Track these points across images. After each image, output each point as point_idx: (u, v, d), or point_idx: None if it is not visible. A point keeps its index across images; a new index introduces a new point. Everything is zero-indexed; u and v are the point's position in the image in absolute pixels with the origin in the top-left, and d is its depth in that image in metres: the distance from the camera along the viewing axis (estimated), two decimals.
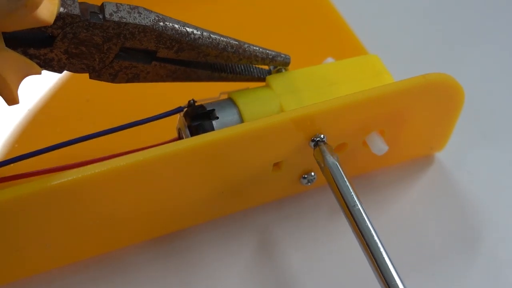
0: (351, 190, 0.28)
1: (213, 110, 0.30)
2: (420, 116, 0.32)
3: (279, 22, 0.40)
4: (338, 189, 0.28)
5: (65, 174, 0.27)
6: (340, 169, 0.29)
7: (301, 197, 0.33)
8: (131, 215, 0.29)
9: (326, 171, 0.29)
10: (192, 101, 0.30)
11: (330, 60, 0.34)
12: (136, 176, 0.28)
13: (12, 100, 0.27)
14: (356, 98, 0.30)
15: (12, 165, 0.29)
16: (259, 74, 0.31)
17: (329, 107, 0.29)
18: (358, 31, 0.40)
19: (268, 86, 0.31)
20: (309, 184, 0.32)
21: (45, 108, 0.35)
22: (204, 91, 0.31)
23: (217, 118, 0.30)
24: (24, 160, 0.29)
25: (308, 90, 0.31)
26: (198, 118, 0.29)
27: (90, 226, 0.29)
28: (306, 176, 0.31)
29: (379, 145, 0.31)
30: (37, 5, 0.24)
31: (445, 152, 0.35)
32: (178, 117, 0.31)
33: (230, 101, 0.30)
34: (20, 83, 0.27)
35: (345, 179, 0.28)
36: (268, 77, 0.31)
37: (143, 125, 0.30)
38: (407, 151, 0.34)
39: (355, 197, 0.28)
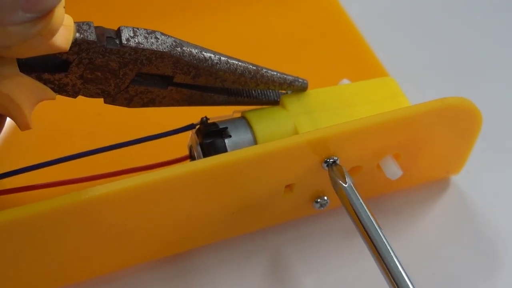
0: (368, 213, 0.28)
1: (226, 128, 0.29)
2: (436, 140, 0.31)
3: (295, 39, 0.40)
4: (355, 211, 0.28)
5: (76, 194, 0.26)
6: (356, 192, 0.28)
7: (313, 218, 0.33)
8: (140, 234, 0.29)
9: (341, 194, 0.29)
10: (204, 118, 0.30)
11: (345, 81, 0.33)
12: (146, 197, 0.27)
13: (25, 125, 0.26)
14: (372, 122, 0.29)
15: (21, 176, 0.29)
16: (275, 98, 0.31)
17: (343, 130, 0.29)
18: (377, 51, 0.39)
19: (282, 106, 0.31)
20: (322, 208, 0.31)
21: (56, 121, 0.34)
22: (217, 109, 0.31)
23: (230, 136, 0.29)
24: (34, 171, 0.29)
25: (323, 111, 0.30)
26: (210, 136, 0.29)
27: (98, 245, 0.28)
28: (319, 200, 0.31)
29: (393, 170, 0.30)
30: (53, 34, 0.24)
31: (461, 175, 0.34)
32: (190, 133, 0.30)
33: (243, 120, 0.30)
34: (33, 108, 0.27)
35: (362, 202, 0.28)
36: (283, 97, 0.31)
37: (154, 140, 0.30)
38: (422, 175, 0.33)
39: (373, 220, 0.28)
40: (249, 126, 0.30)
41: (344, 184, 0.28)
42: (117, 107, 0.29)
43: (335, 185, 0.29)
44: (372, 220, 0.28)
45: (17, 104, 0.25)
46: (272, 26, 0.40)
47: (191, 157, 0.30)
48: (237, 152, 0.28)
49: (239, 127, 0.30)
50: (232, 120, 0.30)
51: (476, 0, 0.44)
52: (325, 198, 0.31)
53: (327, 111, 0.30)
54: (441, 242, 0.33)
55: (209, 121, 0.30)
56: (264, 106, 0.31)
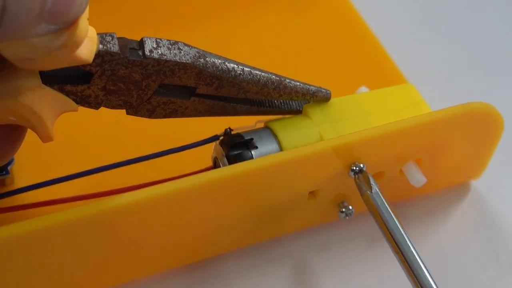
0: (395, 220, 0.28)
1: (252, 139, 0.29)
2: (458, 145, 0.32)
3: (311, 46, 0.40)
4: (382, 218, 0.28)
5: (99, 203, 0.26)
6: (383, 198, 0.28)
7: (337, 224, 0.33)
8: (163, 242, 0.29)
9: (368, 201, 0.29)
10: (228, 129, 0.30)
11: (363, 89, 0.33)
12: (171, 205, 0.27)
13: (47, 137, 0.26)
14: (396, 128, 0.29)
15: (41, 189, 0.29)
16: (297, 107, 0.31)
17: (369, 136, 0.29)
18: (394, 56, 0.39)
19: (305, 115, 0.31)
20: (347, 218, 0.31)
21: (74, 128, 0.34)
22: (238, 119, 0.31)
23: (256, 147, 0.29)
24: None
25: (346, 119, 0.31)
26: (236, 147, 0.29)
27: (120, 254, 0.28)
28: (344, 210, 0.31)
29: (417, 177, 0.31)
30: (77, 45, 0.24)
31: (481, 180, 0.34)
32: (213, 145, 0.30)
33: (268, 130, 0.30)
34: (55, 119, 0.26)
35: (388, 208, 0.28)
36: (306, 106, 0.31)
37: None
38: (443, 179, 0.34)
39: (400, 227, 0.28)
40: (274, 136, 0.30)
41: (370, 192, 0.29)
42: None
43: (362, 192, 0.29)
44: (399, 227, 0.28)
45: (39, 116, 0.25)
46: (287, 32, 0.40)
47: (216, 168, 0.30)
48: (264, 158, 0.28)
49: (264, 138, 0.30)
50: (257, 131, 0.30)
51: (498, 3, 0.45)
52: (350, 207, 0.31)
53: (350, 120, 0.31)
54: (462, 247, 0.33)
55: (232, 132, 0.30)
56: (286, 116, 0.31)
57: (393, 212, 0.28)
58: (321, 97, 0.31)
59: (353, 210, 0.31)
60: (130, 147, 0.34)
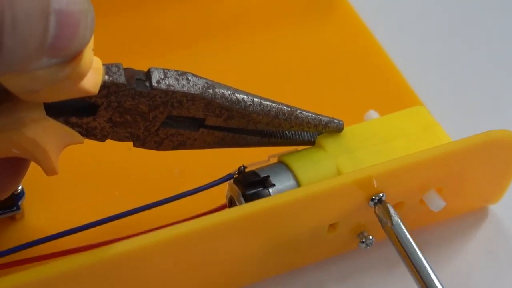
0: (418, 251, 0.27)
1: (268, 176, 0.28)
2: (478, 172, 0.31)
3: (318, 65, 0.39)
4: (404, 249, 0.28)
5: (117, 245, 0.25)
6: (404, 230, 0.28)
7: (356, 252, 0.32)
8: (180, 280, 0.28)
9: (390, 232, 0.28)
10: (242, 167, 0.29)
11: (372, 112, 0.33)
12: (189, 245, 0.27)
13: (51, 170, 0.25)
14: (417, 159, 0.29)
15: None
16: (309, 138, 0.30)
17: (389, 168, 0.28)
18: (408, 76, 0.38)
19: (320, 146, 0.30)
20: (367, 248, 0.30)
21: (85, 156, 0.33)
22: (251, 151, 0.30)
23: (274, 185, 0.28)
24: None
25: (362, 149, 0.30)
26: (253, 186, 0.28)
27: None
28: (364, 240, 0.30)
29: (436, 202, 0.30)
30: (82, 77, 0.23)
31: (499, 204, 0.34)
32: (227, 184, 0.29)
33: (283, 166, 0.29)
34: (60, 152, 0.26)
35: (410, 239, 0.28)
36: (319, 137, 0.30)
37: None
38: (462, 206, 0.33)
39: (422, 258, 0.27)
40: (291, 171, 0.29)
41: (391, 224, 0.28)
42: None
43: (382, 224, 0.28)
44: (422, 258, 0.27)
45: (43, 149, 0.25)
46: (295, 52, 0.39)
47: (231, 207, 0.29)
48: (283, 195, 0.27)
49: (281, 174, 0.29)
50: (271, 167, 0.29)
51: None
52: (370, 237, 0.30)
53: (366, 149, 0.30)
54: (481, 272, 0.32)
55: (246, 170, 0.29)
56: (300, 148, 0.30)
57: (415, 244, 0.28)
58: (333, 128, 0.30)
59: (373, 239, 0.30)
60: (142, 176, 0.33)
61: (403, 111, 0.32)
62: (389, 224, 0.28)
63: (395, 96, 0.38)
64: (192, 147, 0.28)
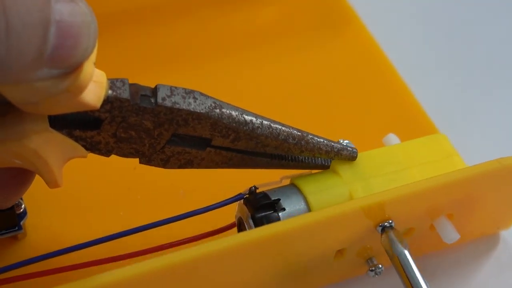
0: (421, 281, 0.27)
1: (279, 200, 0.28)
2: (489, 198, 0.31)
3: (333, 88, 0.38)
4: (408, 278, 0.27)
5: (118, 271, 0.25)
6: (410, 258, 0.27)
7: (363, 278, 0.31)
8: None
9: (394, 259, 0.28)
10: (253, 188, 0.28)
11: (392, 136, 0.32)
12: (195, 271, 0.26)
13: (53, 183, 0.25)
14: (428, 185, 0.28)
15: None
16: (323, 162, 0.29)
17: (400, 194, 0.28)
18: (423, 101, 0.38)
19: (334, 171, 0.29)
20: (376, 276, 0.30)
21: (89, 174, 0.33)
22: (261, 173, 0.29)
23: (284, 209, 0.28)
24: None
25: (378, 176, 0.29)
26: (263, 209, 0.28)
27: None
28: (373, 268, 0.30)
29: (450, 235, 0.29)
30: (81, 90, 0.22)
31: (511, 230, 0.33)
32: (237, 203, 0.29)
33: (295, 189, 0.29)
34: (63, 165, 0.25)
35: (415, 269, 0.27)
36: (334, 163, 0.29)
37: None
38: (474, 232, 0.32)
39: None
40: (302, 196, 0.28)
41: (397, 250, 0.28)
42: None
43: (387, 250, 0.28)
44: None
45: (45, 161, 0.24)
46: (306, 73, 0.39)
47: (240, 228, 0.29)
48: (292, 220, 0.27)
49: (292, 198, 0.28)
50: (283, 190, 0.29)
51: None
52: (380, 266, 0.30)
53: (383, 176, 0.29)
54: None
55: (258, 190, 0.28)
56: (313, 172, 0.29)
57: (419, 273, 0.27)
58: (346, 156, 0.29)
59: (382, 268, 0.30)
60: (147, 195, 0.33)
61: (423, 138, 0.31)
62: (394, 252, 0.28)
63: (409, 120, 0.37)
64: (199, 166, 0.28)
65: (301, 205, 0.28)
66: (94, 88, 0.24)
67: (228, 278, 0.27)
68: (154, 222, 0.28)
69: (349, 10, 0.42)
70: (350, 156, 0.29)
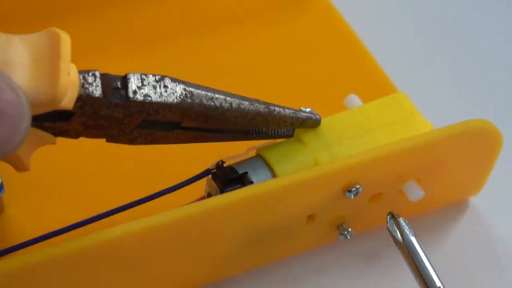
0: (430, 269, 0.28)
1: (246, 173, 0.28)
2: (457, 162, 0.31)
3: (295, 54, 0.39)
4: (417, 268, 0.28)
5: (94, 236, 0.25)
6: (420, 247, 0.28)
7: (336, 245, 0.32)
8: (157, 271, 0.28)
9: (402, 248, 0.28)
10: (220, 162, 0.28)
11: (353, 96, 0.32)
12: (167, 234, 0.27)
13: (22, 169, 0.25)
14: (392, 149, 0.28)
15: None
16: (286, 133, 0.29)
17: (364, 159, 0.28)
18: (383, 63, 0.38)
19: (299, 140, 0.29)
20: (347, 239, 0.30)
21: (63, 149, 0.30)
22: (226, 147, 0.29)
23: (252, 182, 0.28)
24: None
25: (341, 141, 0.29)
26: (231, 183, 0.28)
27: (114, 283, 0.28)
28: (344, 233, 0.30)
29: (416, 193, 0.30)
30: (58, 103, 0.23)
31: (479, 197, 0.34)
32: (205, 179, 0.29)
33: (261, 161, 0.29)
34: (32, 153, 0.25)
35: (425, 257, 0.28)
36: (298, 131, 0.29)
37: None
38: (442, 198, 0.33)
39: (436, 279, 0.27)
40: (269, 167, 0.28)
41: (402, 241, 0.28)
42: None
43: (395, 237, 0.28)
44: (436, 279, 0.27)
45: (15, 153, 0.24)
46: (273, 43, 0.39)
47: None
48: (258, 186, 0.27)
49: (258, 170, 0.28)
50: (250, 162, 0.29)
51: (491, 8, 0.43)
52: (350, 229, 0.30)
53: (347, 141, 0.29)
54: (461, 267, 0.32)
55: (224, 164, 0.29)
56: (278, 142, 0.29)
57: (429, 261, 0.28)
58: (311, 124, 0.29)
59: (352, 231, 0.30)
60: (121, 165, 0.33)
61: (383, 98, 0.31)
62: (401, 242, 0.28)
63: (369, 81, 0.38)
64: (165, 143, 0.28)
65: (268, 176, 0.28)
66: (68, 92, 0.23)
67: (199, 244, 0.28)
68: (123, 206, 0.28)
69: None
70: (314, 123, 0.29)
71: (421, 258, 0.28)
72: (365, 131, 0.30)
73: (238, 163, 0.29)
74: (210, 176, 0.28)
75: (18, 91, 0.21)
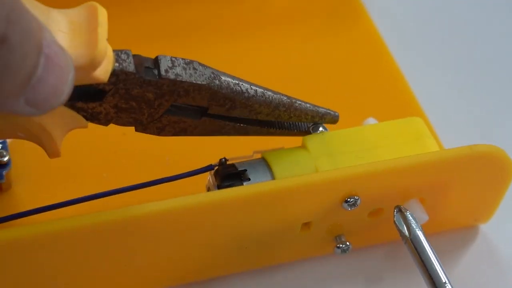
0: (438, 266, 0.27)
1: (245, 170, 0.29)
2: (464, 187, 0.30)
3: (330, 70, 0.39)
4: (424, 263, 0.28)
5: (84, 217, 0.26)
6: (427, 242, 0.28)
7: (332, 258, 0.31)
8: (148, 262, 0.29)
9: (409, 243, 0.28)
10: (223, 159, 0.29)
11: (371, 120, 0.32)
12: (158, 225, 0.27)
13: (54, 153, 0.26)
14: (394, 164, 0.28)
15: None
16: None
17: (365, 170, 0.28)
18: (415, 88, 0.38)
19: (304, 147, 0.30)
20: (344, 254, 0.30)
21: (79, 136, 0.32)
22: (238, 148, 0.30)
23: (249, 179, 0.28)
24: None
25: (345, 153, 0.30)
26: (228, 179, 0.28)
27: (104, 272, 0.28)
28: (340, 245, 0.30)
29: (418, 214, 0.29)
30: (95, 68, 0.24)
31: (490, 225, 0.33)
32: (208, 175, 0.30)
33: (263, 162, 0.29)
34: (64, 136, 0.26)
35: (431, 252, 0.28)
36: (305, 138, 0.30)
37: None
38: (448, 221, 0.32)
39: (442, 274, 0.27)
40: (269, 168, 0.29)
41: (409, 235, 0.28)
42: None
43: (401, 232, 0.28)
44: (442, 274, 0.27)
45: (49, 133, 0.25)
46: (306, 55, 0.40)
47: None
48: (254, 186, 0.28)
49: (258, 169, 0.29)
50: (252, 162, 0.29)
51: None
52: (348, 243, 0.30)
53: (350, 154, 0.30)
54: None
55: (228, 162, 0.29)
56: (284, 148, 0.30)
57: (436, 257, 0.28)
58: (329, 119, 0.30)
59: (350, 246, 0.30)
60: (133, 160, 0.34)
61: (397, 120, 0.31)
62: (407, 236, 0.28)
63: (399, 106, 0.37)
64: (192, 134, 0.29)
65: (267, 177, 0.29)
66: (104, 63, 0.24)
67: (192, 239, 0.28)
68: (124, 187, 0.29)
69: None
70: (332, 119, 0.30)
71: (428, 253, 0.28)
72: (372, 146, 0.30)
73: (240, 162, 0.29)
74: (212, 172, 0.29)
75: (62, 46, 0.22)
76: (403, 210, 0.29)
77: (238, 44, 0.40)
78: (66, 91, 0.22)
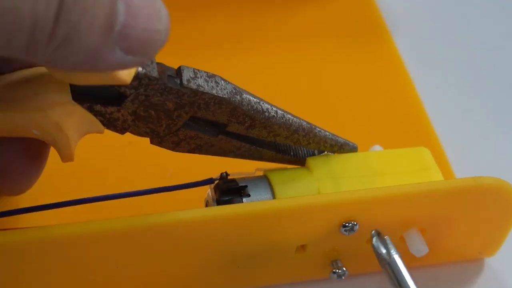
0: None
1: (246, 186, 0.29)
2: (467, 219, 0.30)
3: (350, 87, 0.39)
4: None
5: (74, 226, 0.26)
6: (404, 267, 0.28)
7: (328, 283, 0.31)
8: (138, 275, 0.29)
9: (388, 266, 0.28)
10: (224, 173, 0.29)
11: (377, 147, 0.32)
12: (150, 237, 0.27)
13: (68, 157, 0.26)
14: (394, 192, 0.28)
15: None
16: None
17: (365, 196, 0.28)
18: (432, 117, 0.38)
19: (307, 168, 0.30)
20: (339, 279, 0.30)
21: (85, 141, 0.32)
22: (240, 164, 0.30)
23: (249, 195, 0.28)
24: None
25: (349, 177, 0.29)
26: (228, 193, 0.28)
27: (91, 285, 0.28)
28: (336, 271, 0.30)
29: (417, 246, 0.29)
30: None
31: (496, 259, 0.32)
32: (208, 188, 0.30)
33: (265, 180, 0.29)
34: (79, 139, 0.26)
35: (408, 276, 0.27)
36: (309, 159, 0.30)
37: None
38: (451, 252, 0.31)
39: None
40: (270, 186, 0.29)
41: (389, 258, 0.28)
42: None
43: (379, 255, 0.28)
44: None
45: (65, 134, 0.25)
46: (324, 75, 0.40)
47: None
48: (251, 204, 0.27)
49: (260, 187, 0.29)
50: (253, 179, 0.29)
51: None
52: (344, 269, 0.30)
53: (353, 178, 0.29)
54: None
55: (229, 177, 0.29)
56: (287, 167, 0.30)
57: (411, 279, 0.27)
58: (347, 150, 0.30)
59: (346, 272, 0.30)
60: (137, 170, 0.34)
61: (405, 149, 0.31)
62: (384, 259, 0.28)
63: (415, 133, 0.37)
64: (207, 152, 0.29)
65: (268, 195, 0.29)
66: None
67: (185, 253, 0.28)
68: (120, 193, 0.29)
69: (381, 22, 0.43)
70: (350, 151, 0.30)
71: (405, 277, 0.27)
72: (376, 173, 0.30)
73: (242, 178, 0.29)
74: (212, 185, 0.29)
75: None
76: (381, 234, 0.28)
77: (256, 57, 0.40)
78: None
